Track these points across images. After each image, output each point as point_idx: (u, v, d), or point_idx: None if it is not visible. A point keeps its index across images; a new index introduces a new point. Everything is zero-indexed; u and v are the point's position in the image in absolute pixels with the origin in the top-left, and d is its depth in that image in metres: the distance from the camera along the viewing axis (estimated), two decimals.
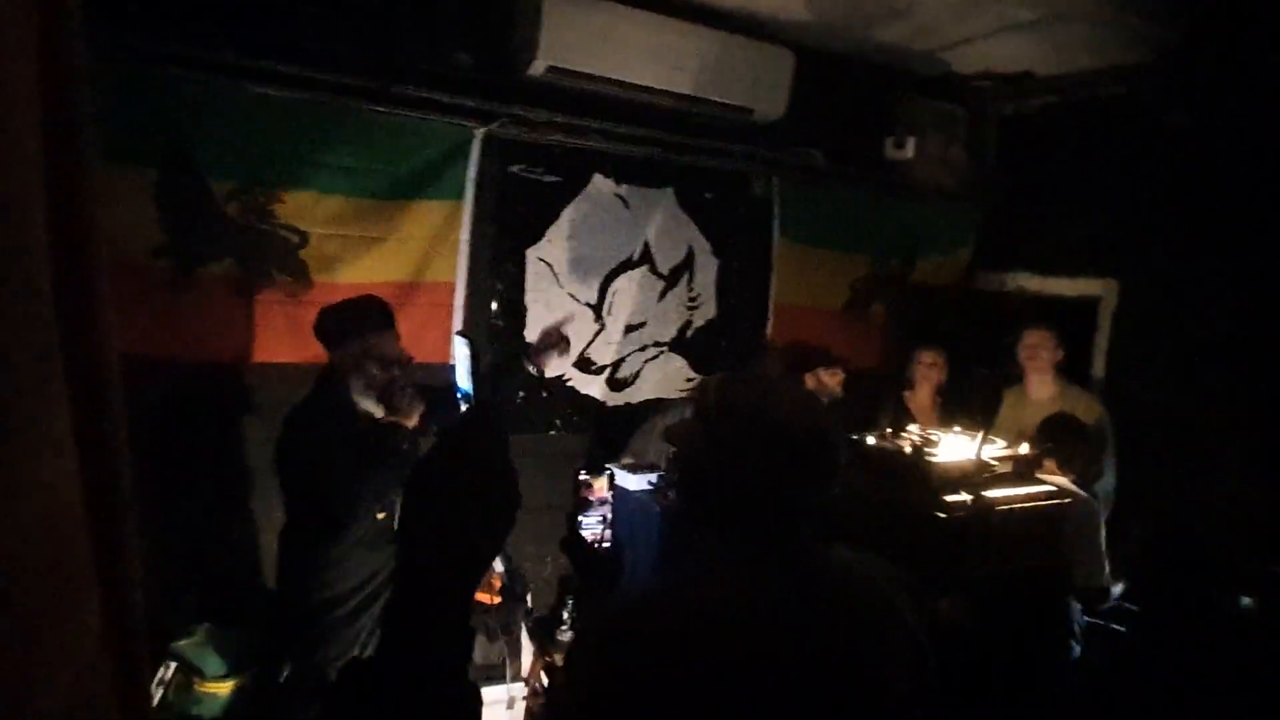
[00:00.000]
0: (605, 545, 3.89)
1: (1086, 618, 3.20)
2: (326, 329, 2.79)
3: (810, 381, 4.35)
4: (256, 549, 3.57)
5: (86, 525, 0.84)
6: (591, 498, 4.09)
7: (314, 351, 2.86)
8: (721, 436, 1.43)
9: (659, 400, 4.61)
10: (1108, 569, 3.23)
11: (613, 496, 3.98)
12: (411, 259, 3.78)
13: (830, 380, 4.34)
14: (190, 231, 3.28)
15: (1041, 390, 4.33)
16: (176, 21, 3.02)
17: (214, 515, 3.51)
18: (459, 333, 3.52)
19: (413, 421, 2.78)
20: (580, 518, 4.07)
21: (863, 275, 5.21)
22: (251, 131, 3.32)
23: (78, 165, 0.97)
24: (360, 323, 2.76)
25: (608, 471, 4.06)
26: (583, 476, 4.15)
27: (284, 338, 3.47)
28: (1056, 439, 3.45)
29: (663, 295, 4.58)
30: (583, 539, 3.74)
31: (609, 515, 4.00)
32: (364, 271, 3.65)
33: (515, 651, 3.92)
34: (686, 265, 4.64)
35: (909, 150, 4.67)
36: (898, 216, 5.18)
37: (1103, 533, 3.30)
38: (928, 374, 4.73)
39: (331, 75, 3.35)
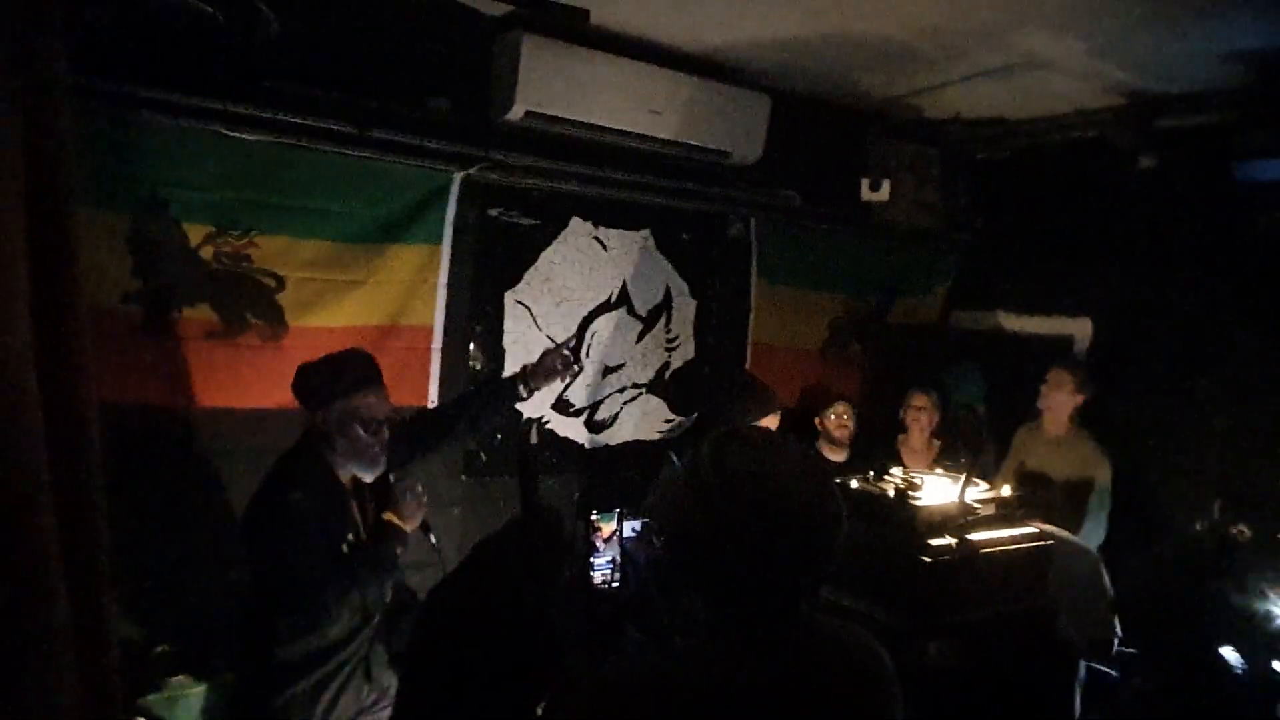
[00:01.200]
0: (615, 586, 3.81)
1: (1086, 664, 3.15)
2: (305, 388, 2.58)
3: (827, 423, 4.56)
4: (230, 600, 3.48)
5: (59, 540, 0.83)
6: (599, 542, 4.00)
7: (291, 396, 2.75)
8: (717, 511, 1.32)
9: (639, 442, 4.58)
10: (1115, 620, 3.18)
11: (621, 542, 3.92)
12: (389, 303, 3.75)
13: (844, 415, 4.57)
14: (165, 276, 3.24)
15: (1055, 428, 4.35)
16: (151, 66, 3.00)
17: (186, 564, 3.42)
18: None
19: (411, 526, 2.60)
20: (591, 559, 3.97)
21: (841, 315, 5.25)
22: (227, 176, 3.28)
23: (60, 213, 0.95)
24: (342, 381, 2.55)
25: (617, 512, 3.98)
26: (593, 518, 4.05)
27: (260, 383, 3.41)
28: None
29: (640, 337, 4.57)
30: (591, 582, 3.66)
31: (617, 558, 3.92)
32: (341, 315, 3.61)
33: None
34: (664, 307, 4.64)
35: (884, 192, 4.72)
36: (874, 257, 5.23)
37: (1108, 584, 3.25)
38: (917, 417, 4.72)
39: (308, 119, 3.33)
